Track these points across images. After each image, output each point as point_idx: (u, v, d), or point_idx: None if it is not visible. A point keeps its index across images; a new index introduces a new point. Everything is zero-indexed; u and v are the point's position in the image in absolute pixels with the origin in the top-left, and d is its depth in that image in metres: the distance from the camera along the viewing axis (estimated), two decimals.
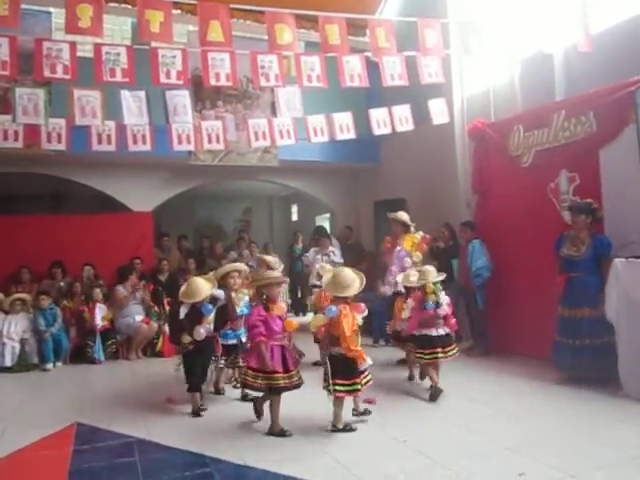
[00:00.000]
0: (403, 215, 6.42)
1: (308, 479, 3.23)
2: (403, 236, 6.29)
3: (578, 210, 5.14)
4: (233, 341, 5.05)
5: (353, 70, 5.29)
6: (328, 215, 11.83)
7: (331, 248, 8.17)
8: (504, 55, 6.51)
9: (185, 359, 4.63)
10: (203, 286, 4.48)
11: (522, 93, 6.80)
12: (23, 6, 4.84)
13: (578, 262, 5.02)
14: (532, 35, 5.73)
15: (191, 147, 6.59)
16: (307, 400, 4.31)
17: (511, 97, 6.92)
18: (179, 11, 7.90)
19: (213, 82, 4.96)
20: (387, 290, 6.17)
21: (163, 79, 4.80)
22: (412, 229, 6.37)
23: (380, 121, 6.34)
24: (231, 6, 4.69)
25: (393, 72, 5.41)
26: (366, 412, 4.31)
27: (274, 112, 7.55)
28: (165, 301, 7.58)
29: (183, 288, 4.57)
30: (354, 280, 4.06)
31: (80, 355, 7.06)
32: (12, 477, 3.61)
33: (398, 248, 6.21)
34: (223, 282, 4.89)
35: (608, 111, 5.26)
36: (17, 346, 6.64)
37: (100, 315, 7.18)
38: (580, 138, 5.57)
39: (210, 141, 6.32)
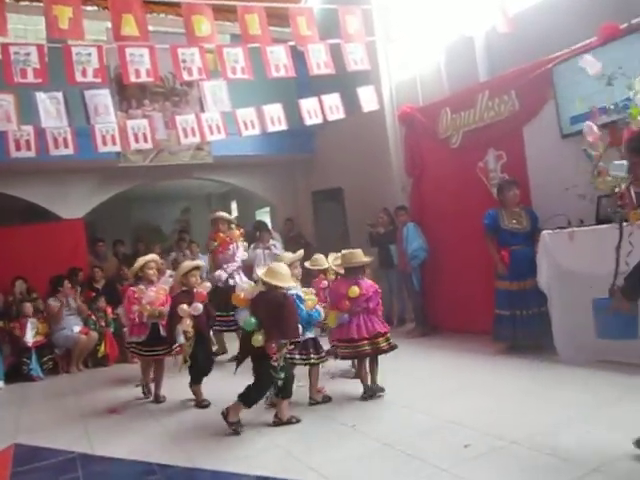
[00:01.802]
0: (225, 214, 6.86)
1: (261, 474, 3.20)
2: (231, 232, 6.65)
3: (512, 185, 5.31)
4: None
5: (278, 60, 5.24)
6: (268, 209, 11.76)
7: (272, 242, 8.16)
8: (428, 40, 6.63)
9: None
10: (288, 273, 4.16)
11: (447, 77, 6.97)
12: None
13: (521, 235, 5.19)
14: (454, 19, 5.84)
15: (117, 148, 6.34)
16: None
17: (437, 81, 7.07)
18: (95, 7, 7.62)
19: (133, 79, 4.78)
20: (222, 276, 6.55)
21: (79, 78, 4.58)
22: (233, 225, 6.78)
23: (311, 111, 6.31)
24: None
25: (319, 60, 5.39)
26: (325, 400, 4.36)
27: (203, 109, 7.40)
28: (108, 309, 7.34)
29: (265, 270, 4.10)
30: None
31: (16, 374, 6.71)
32: None
33: (233, 245, 6.63)
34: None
35: (528, 89, 5.46)
36: None
37: (32, 331, 6.84)
38: (504, 117, 5.75)
39: (137, 141, 6.10)
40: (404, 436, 3.45)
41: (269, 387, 4.02)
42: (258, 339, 3.79)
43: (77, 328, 7.03)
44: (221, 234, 6.56)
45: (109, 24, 7.55)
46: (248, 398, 3.92)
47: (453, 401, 4.05)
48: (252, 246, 8.47)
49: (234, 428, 3.89)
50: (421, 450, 3.19)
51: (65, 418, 4.86)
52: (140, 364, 5.43)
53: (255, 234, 8.02)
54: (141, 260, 5.26)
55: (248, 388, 3.93)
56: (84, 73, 4.53)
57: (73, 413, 5.00)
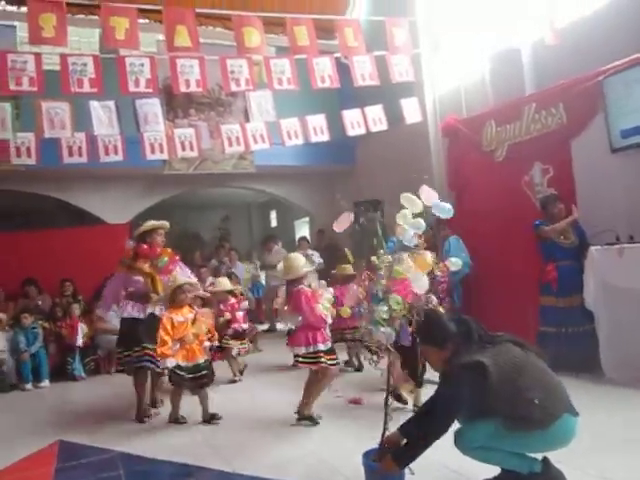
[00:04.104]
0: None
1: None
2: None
3: (556, 200, 5.21)
4: None
5: (323, 71, 5.30)
6: (307, 219, 11.83)
7: (310, 251, 8.32)
8: (473, 51, 6.59)
9: None
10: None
11: (492, 88, 6.89)
12: None
13: (568, 250, 5.08)
14: (500, 31, 5.80)
15: (164, 156, 6.52)
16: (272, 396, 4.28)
17: (482, 93, 7.00)
18: (147, 20, 7.86)
19: (183, 89, 4.92)
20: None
21: (132, 88, 4.75)
22: None
23: (354, 122, 6.35)
24: (197, 11, 4.67)
25: (364, 72, 5.43)
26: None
27: (247, 119, 7.53)
28: None
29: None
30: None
31: (60, 373, 6.91)
32: None
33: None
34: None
35: (577, 102, 5.36)
36: None
37: (80, 332, 7.05)
38: (551, 130, 5.65)
39: (184, 149, 6.26)
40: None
41: None
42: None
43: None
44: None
45: (159, 36, 7.88)
46: None
47: None
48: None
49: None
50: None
51: (106, 417, 4.97)
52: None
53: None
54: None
55: None
56: (137, 83, 4.70)
57: (114, 413, 5.10)
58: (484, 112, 6.64)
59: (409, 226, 3.15)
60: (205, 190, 10.44)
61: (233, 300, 6.38)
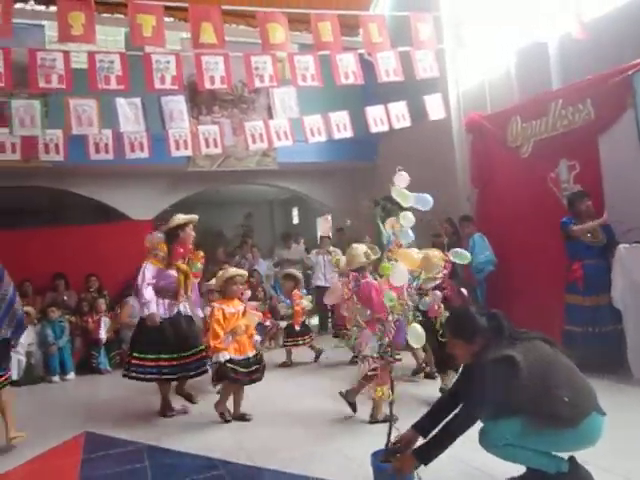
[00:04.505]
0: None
1: (321, 477, 3.22)
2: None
3: (584, 197, 5.12)
4: None
5: (347, 68, 5.29)
6: (329, 216, 11.83)
7: (332, 248, 8.35)
8: (498, 46, 6.50)
9: None
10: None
11: (518, 84, 6.80)
12: (16, 20, 4.86)
13: (595, 248, 4.99)
14: (526, 25, 5.71)
15: (189, 152, 6.58)
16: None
17: (507, 88, 6.91)
18: (172, 19, 7.94)
19: (208, 85, 4.95)
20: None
21: (158, 85, 4.80)
22: None
23: (377, 119, 6.32)
24: (223, 8, 4.70)
25: (388, 68, 5.41)
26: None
27: (270, 116, 7.55)
28: None
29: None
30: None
31: (85, 366, 7.04)
32: None
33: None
34: (225, 288, 4.55)
35: (605, 97, 5.25)
36: (23, 359, 6.61)
37: (105, 327, 7.17)
38: (578, 126, 5.55)
39: (208, 146, 6.31)
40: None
41: None
42: None
43: None
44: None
45: (184, 34, 7.95)
46: None
47: None
48: (314, 252, 8.69)
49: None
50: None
51: (132, 410, 5.05)
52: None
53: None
54: (232, 271, 4.70)
55: None
56: (162, 80, 4.74)
57: (139, 406, 5.18)
58: (509, 108, 6.56)
59: (402, 222, 3.15)
60: (227, 187, 10.50)
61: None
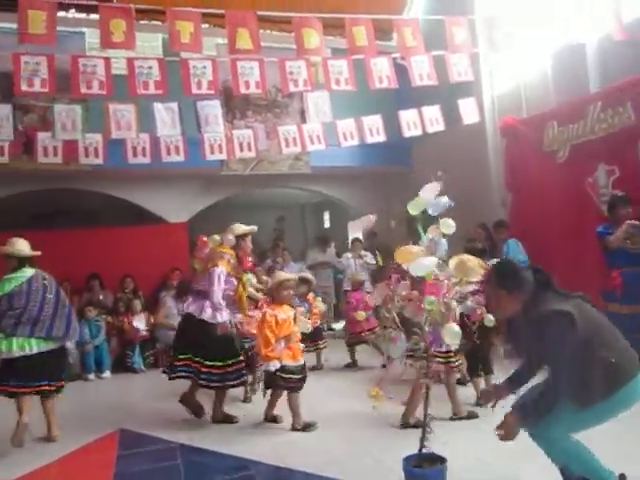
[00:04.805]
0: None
1: None
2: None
3: (626, 202, 4.98)
4: None
5: (381, 72, 5.29)
6: (373, 216, 11.77)
7: (363, 252, 8.35)
8: (534, 49, 6.40)
9: None
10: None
11: (555, 86, 6.68)
12: (58, 28, 5.00)
13: (635, 255, 4.85)
14: (563, 26, 5.61)
15: (223, 156, 6.68)
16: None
17: (543, 91, 6.80)
18: (207, 25, 8.07)
19: (243, 90, 5.02)
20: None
21: (195, 90, 4.89)
22: None
23: (410, 123, 6.30)
24: (258, 14, 4.76)
25: (422, 72, 5.38)
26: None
27: (303, 120, 7.62)
28: None
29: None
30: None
31: (120, 365, 7.20)
32: None
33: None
34: (276, 293, 4.41)
35: None
36: None
37: (140, 327, 7.32)
38: (618, 129, 5.44)
39: (242, 150, 6.40)
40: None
41: None
42: None
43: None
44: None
45: (219, 40, 8.07)
46: None
47: None
48: (345, 255, 8.70)
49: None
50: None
51: (165, 409, 5.11)
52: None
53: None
54: (284, 276, 4.58)
55: None
56: (199, 85, 4.84)
57: (172, 405, 5.24)
58: (545, 111, 6.46)
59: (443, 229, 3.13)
60: (260, 191, 10.59)
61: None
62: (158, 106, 5.45)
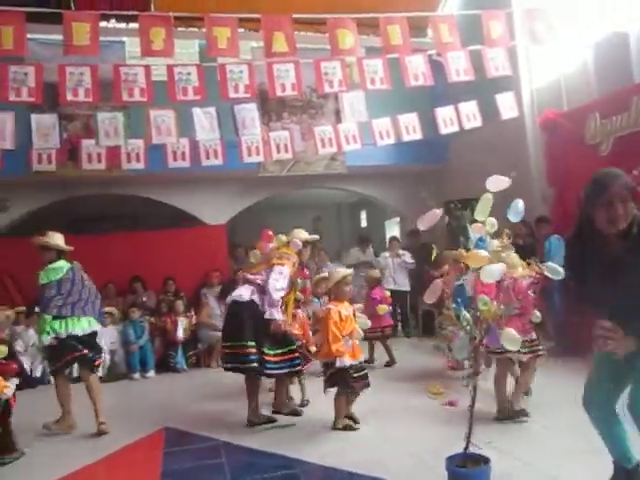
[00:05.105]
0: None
1: None
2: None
3: None
4: None
5: (417, 69, 5.26)
6: (398, 219, 11.73)
7: (401, 251, 8.31)
8: (574, 40, 6.24)
9: None
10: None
11: (597, 78, 6.48)
12: (100, 38, 5.16)
13: None
14: (604, 15, 5.46)
15: (260, 158, 6.76)
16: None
17: (585, 83, 6.62)
18: (242, 29, 8.17)
19: (279, 92, 5.08)
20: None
21: (232, 94, 4.98)
22: None
23: (447, 120, 6.25)
24: (293, 16, 4.81)
25: (458, 67, 5.33)
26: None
27: (339, 120, 7.62)
28: None
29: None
30: None
31: (164, 365, 7.36)
32: (110, 477, 3.84)
33: None
34: (336, 290, 4.38)
35: None
36: (107, 357, 7.00)
37: (182, 328, 7.46)
38: None
39: (279, 151, 6.47)
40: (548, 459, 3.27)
41: None
42: None
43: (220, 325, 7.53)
44: None
45: (253, 43, 8.17)
46: None
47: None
48: (383, 255, 8.67)
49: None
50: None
51: (208, 408, 5.23)
52: None
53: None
54: (343, 272, 4.51)
55: None
56: (236, 89, 4.92)
57: (215, 404, 5.36)
58: (587, 104, 6.28)
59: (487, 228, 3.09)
60: (296, 191, 10.65)
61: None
62: (197, 111, 5.56)
